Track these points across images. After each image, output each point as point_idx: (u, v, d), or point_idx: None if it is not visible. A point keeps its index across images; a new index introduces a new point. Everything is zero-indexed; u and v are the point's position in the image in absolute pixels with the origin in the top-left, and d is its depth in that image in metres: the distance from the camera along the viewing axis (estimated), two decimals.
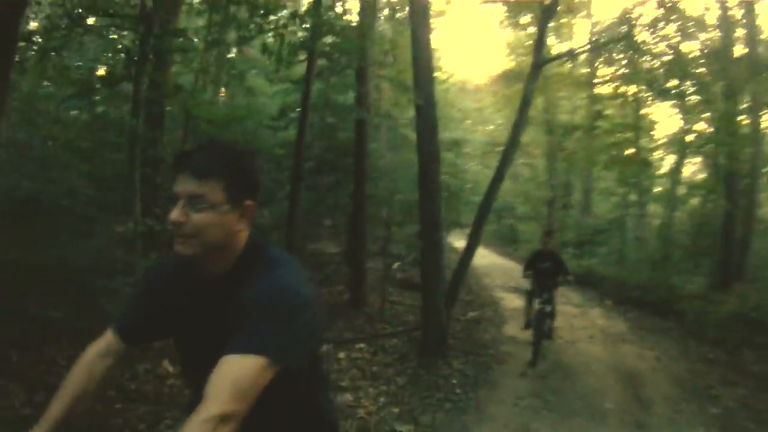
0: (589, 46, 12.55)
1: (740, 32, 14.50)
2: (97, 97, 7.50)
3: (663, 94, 13.72)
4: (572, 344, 8.98)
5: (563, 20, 17.37)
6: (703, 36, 14.25)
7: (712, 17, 14.52)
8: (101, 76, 7.63)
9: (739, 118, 13.78)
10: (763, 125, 14.37)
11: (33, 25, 7.58)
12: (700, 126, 16.21)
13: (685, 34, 13.26)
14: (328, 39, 10.04)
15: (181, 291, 1.64)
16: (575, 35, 21.68)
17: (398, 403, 5.54)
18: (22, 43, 5.83)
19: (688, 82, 14.33)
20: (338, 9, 10.98)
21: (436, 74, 11.31)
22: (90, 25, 7.38)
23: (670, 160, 20.77)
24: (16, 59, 5.19)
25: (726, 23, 14.05)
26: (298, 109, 10.87)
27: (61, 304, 5.18)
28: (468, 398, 5.97)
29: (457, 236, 19.58)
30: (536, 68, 9.27)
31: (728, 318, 10.35)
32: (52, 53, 7.32)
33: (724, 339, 9.57)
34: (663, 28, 11.69)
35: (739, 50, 14.34)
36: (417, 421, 5.14)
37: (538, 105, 21.05)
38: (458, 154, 18.79)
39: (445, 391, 6.08)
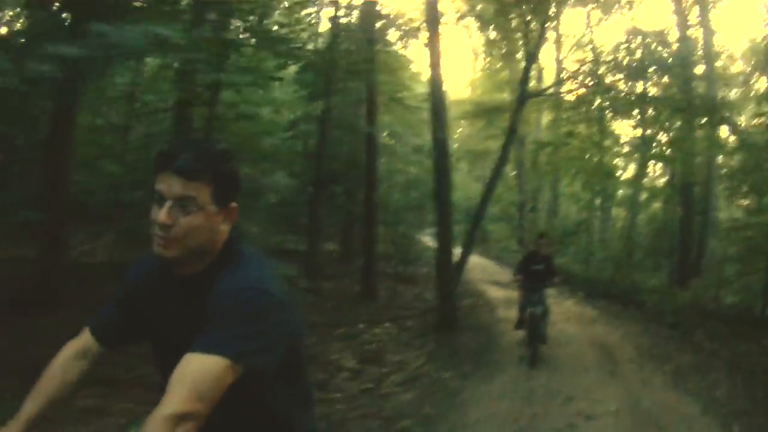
0: (560, 82, 14.68)
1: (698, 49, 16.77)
2: None
3: (625, 115, 15.85)
4: (553, 325, 10.98)
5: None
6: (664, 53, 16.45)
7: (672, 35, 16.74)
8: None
9: (695, 131, 15.86)
10: (718, 136, 16.48)
11: None
12: (660, 136, 18.44)
13: (648, 52, 15.40)
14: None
15: (158, 291, 1.63)
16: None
17: (435, 361, 7.47)
18: None
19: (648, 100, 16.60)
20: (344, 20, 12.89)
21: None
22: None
23: (632, 168, 23.19)
24: None
25: (684, 41, 16.20)
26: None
27: None
28: (482, 359, 7.93)
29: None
30: (521, 102, 11.33)
31: (684, 307, 12.48)
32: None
33: (680, 323, 11.61)
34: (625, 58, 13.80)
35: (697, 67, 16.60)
36: (452, 370, 7.08)
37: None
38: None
39: (464, 354, 8.04)
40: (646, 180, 21.80)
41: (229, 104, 9.80)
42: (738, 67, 24.47)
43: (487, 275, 17.65)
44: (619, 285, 15.96)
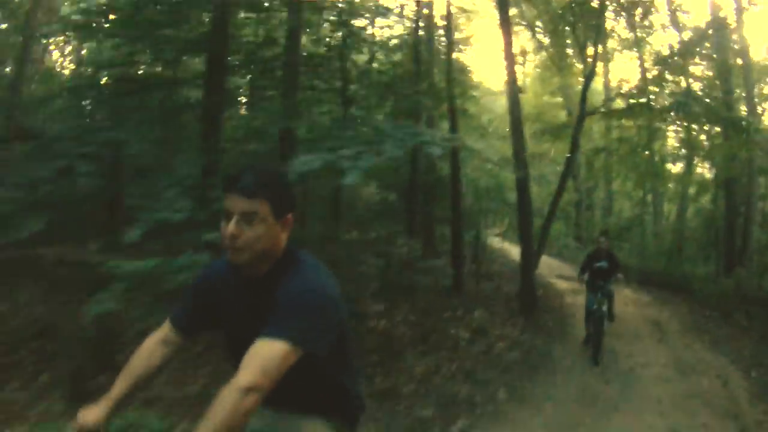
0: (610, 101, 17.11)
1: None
2: None
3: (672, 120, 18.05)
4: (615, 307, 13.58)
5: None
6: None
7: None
8: None
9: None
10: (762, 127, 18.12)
11: None
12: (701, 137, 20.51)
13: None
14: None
15: (229, 290, 2.02)
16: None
17: (526, 333, 10.18)
18: None
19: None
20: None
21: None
22: None
23: (680, 165, 25.29)
24: None
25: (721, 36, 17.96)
26: None
27: None
28: (561, 331, 10.62)
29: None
30: (581, 120, 13.85)
31: (727, 292, 14.72)
32: None
33: (722, 306, 13.93)
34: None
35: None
36: (541, 339, 9.80)
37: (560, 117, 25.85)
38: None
39: (546, 328, 10.73)
40: (694, 175, 23.72)
41: None
42: None
43: (552, 270, 20.10)
44: (671, 275, 18.25)
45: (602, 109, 15.91)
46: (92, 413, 1.97)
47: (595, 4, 13.81)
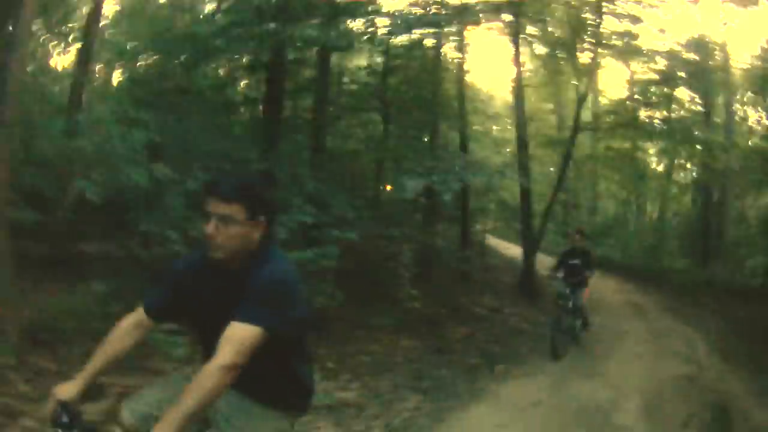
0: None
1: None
2: None
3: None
4: (601, 293, 16.09)
5: None
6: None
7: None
8: None
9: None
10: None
11: None
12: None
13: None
14: None
15: (205, 280, 2.26)
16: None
17: (531, 310, 12.70)
18: None
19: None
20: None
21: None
22: None
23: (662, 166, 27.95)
24: None
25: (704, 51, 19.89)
26: None
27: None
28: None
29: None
30: (574, 134, 16.35)
31: (701, 284, 17.22)
32: None
33: (695, 294, 16.44)
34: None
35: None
36: (543, 315, 12.34)
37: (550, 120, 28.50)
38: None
39: (546, 305, 13.26)
40: (674, 177, 26.13)
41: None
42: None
43: (543, 264, 22.68)
44: (651, 268, 20.86)
45: (591, 126, 18.42)
46: (67, 388, 2.22)
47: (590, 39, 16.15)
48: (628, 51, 19.75)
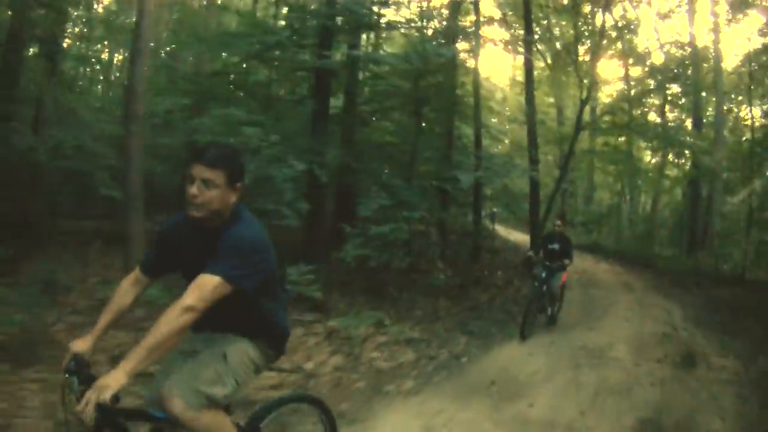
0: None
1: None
2: None
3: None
4: (594, 274, 18.66)
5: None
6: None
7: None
8: None
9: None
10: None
11: None
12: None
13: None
14: None
15: (188, 238, 2.65)
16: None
17: None
18: None
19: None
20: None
21: None
22: None
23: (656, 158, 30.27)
24: None
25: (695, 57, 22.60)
26: None
27: None
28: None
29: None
30: (577, 132, 18.74)
31: (686, 270, 19.62)
32: None
33: (679, 277, 18.88)
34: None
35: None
36: None
37: (551, 113, 31.06)
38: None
39: None
40: (667, 170, 28.46)
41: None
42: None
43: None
44: (642, 255, 23.28)
45: (592, 127, 20.93)
46: (81, 342, 2.57)
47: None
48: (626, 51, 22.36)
